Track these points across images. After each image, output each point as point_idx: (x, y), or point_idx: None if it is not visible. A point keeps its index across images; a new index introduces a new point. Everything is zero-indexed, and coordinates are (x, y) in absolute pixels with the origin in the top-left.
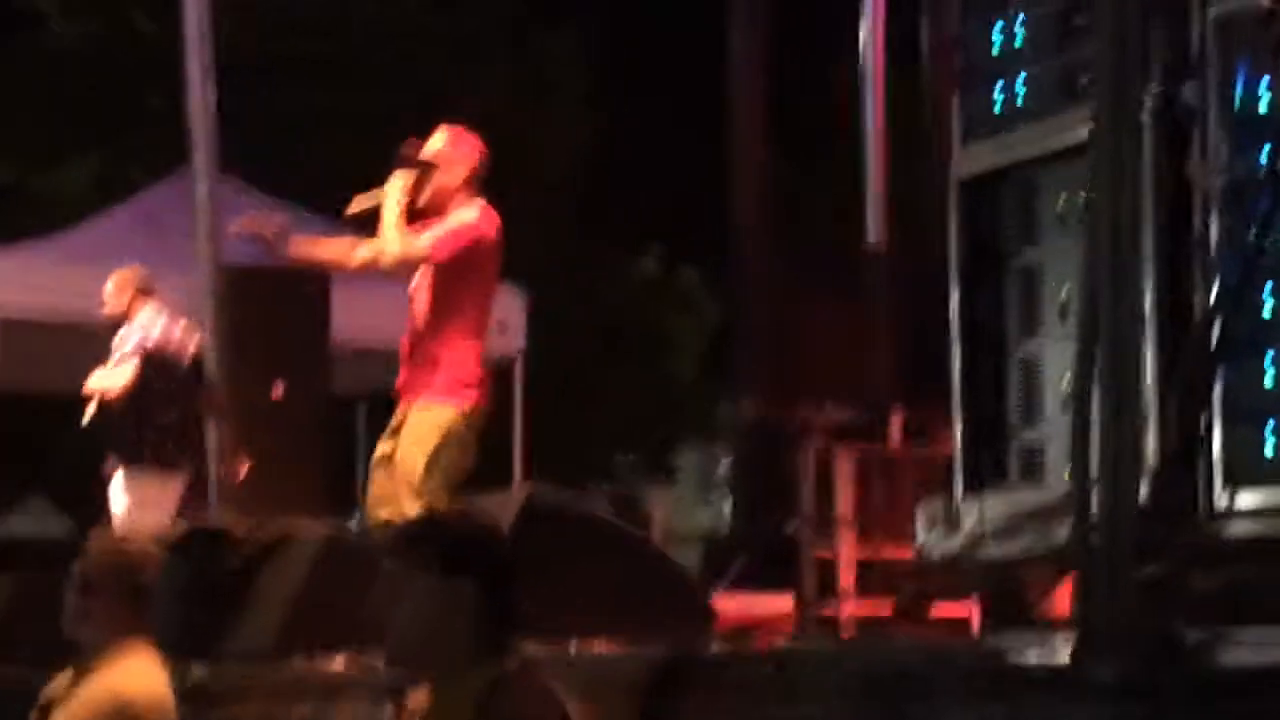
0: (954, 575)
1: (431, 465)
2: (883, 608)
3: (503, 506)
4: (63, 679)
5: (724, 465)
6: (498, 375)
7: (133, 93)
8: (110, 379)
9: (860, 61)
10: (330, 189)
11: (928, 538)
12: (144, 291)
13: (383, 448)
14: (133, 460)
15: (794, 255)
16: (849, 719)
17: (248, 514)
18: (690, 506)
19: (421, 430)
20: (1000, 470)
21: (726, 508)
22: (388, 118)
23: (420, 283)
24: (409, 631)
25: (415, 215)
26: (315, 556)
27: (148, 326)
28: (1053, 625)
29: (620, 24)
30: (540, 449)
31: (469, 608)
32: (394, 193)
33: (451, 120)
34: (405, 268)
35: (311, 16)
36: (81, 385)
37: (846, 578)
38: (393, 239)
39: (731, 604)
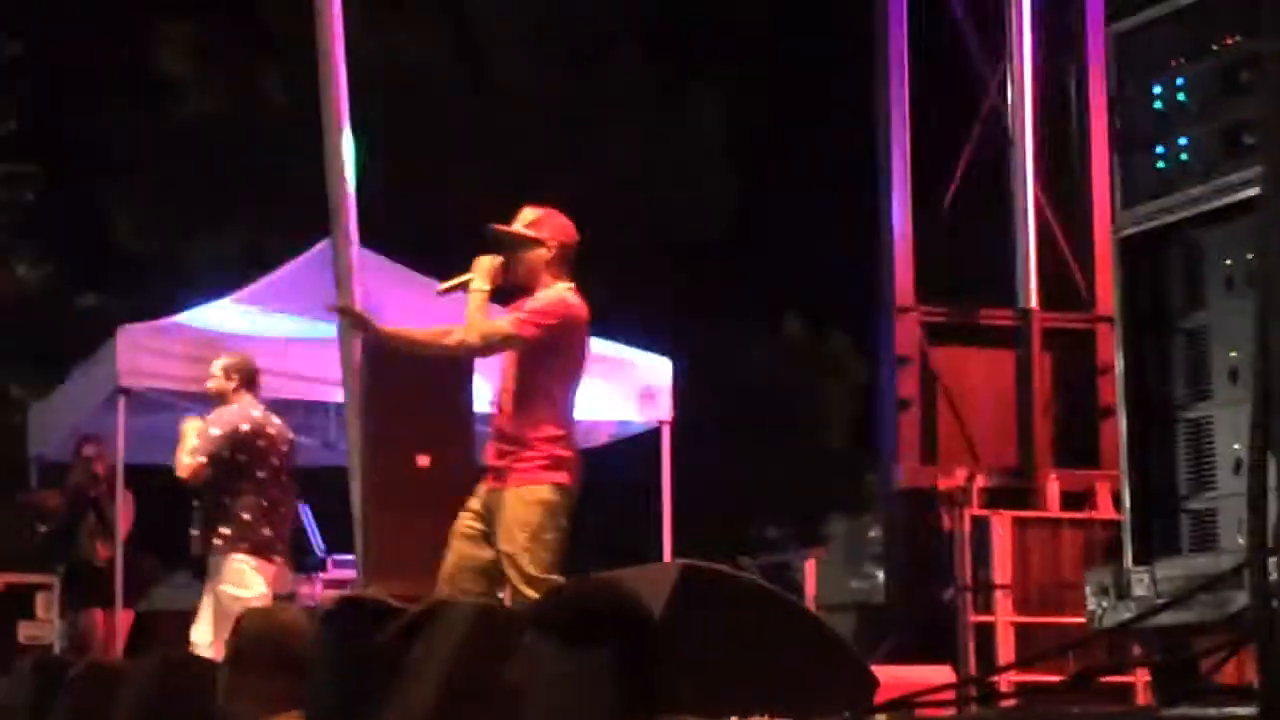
0: (1125, 644)
1: (534, 546)
2: (1045, 676)
3: (657, 578)
4: None
5: (875, 533)
6: (645, 444)
7: (275, 164)
8: (193, 456)
9: (1009, 121)
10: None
11: (1097, 606)
12: (248, 382)
13: (468, 524)
14: (228, 545)
15: (945, 316)
16: None
17: (394, 586)
18: (842, 576)
19: (520, 513)
20: (1171, 537)
21: (879, 576)
22: (525, 181)
23: (506, 366)
24: (545, 706)
25: (509, 293)
26: (469, 628)
27: (243, 412)
28: (1229, 696)
29: (766, 85)
30: (688, 519)
31: (603, 681)
32: (480, 274)
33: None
34: (491, 349)
35: (450, 80)
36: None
37: (1006, 646)
38: (475, 323)
39: (888, 674)
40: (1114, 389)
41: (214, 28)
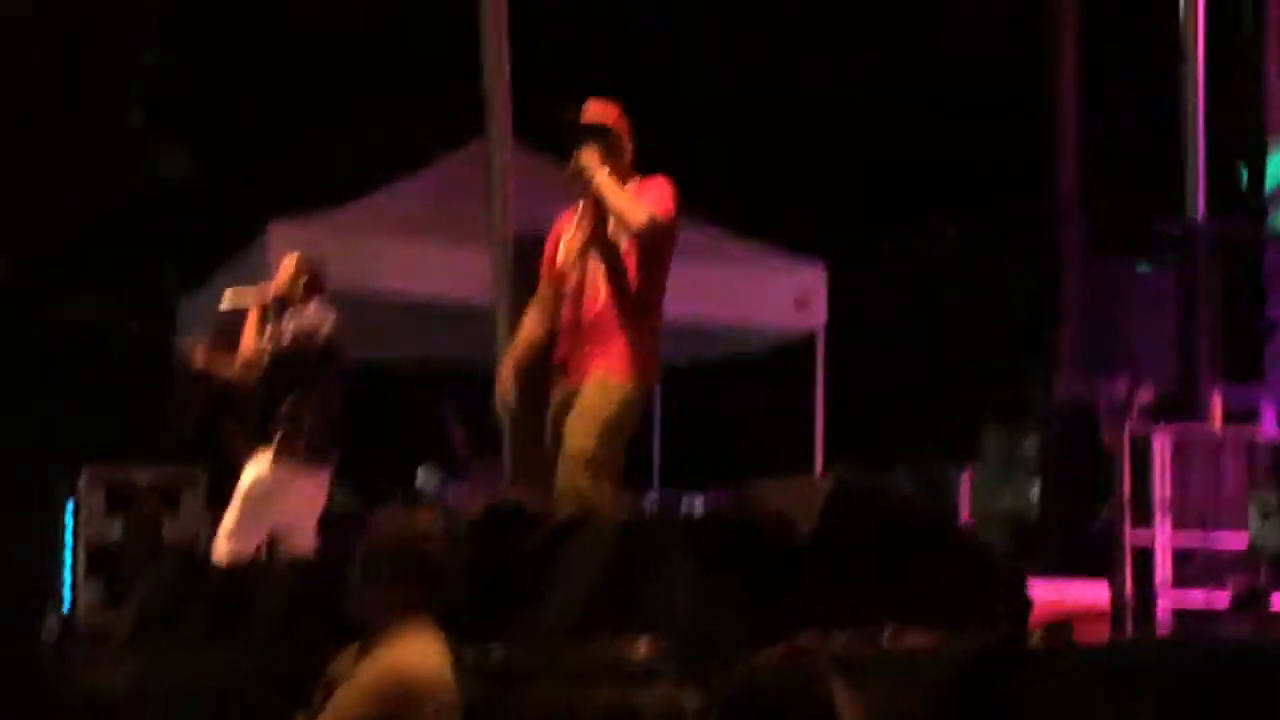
0: None
1: (604, 440)
2: (1204, 599)
3: (809, 492)
4: (347, 657)
5: (1030, 445)
6: (799, 352)
7: (426, 58)
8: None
9: (1181, 25)
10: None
11: (1262, 528)
12: (316, 282)
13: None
14: (287, 451)
15: (1111, 226)
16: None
17: (541, 490)
18: (995, 489)
19: (598, 404)
20: None
21: (1033, 491)
22: (669, 81)
23: (593, 260)
24: (684, 619)
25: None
26: (614, 537)
27: (319, 317)
28: None
29: None
30: (840, 428)
31: (730, 596)
32: (594, 167)
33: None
34: (656, 234)
35: None
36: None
37: (1164, 567)
38: (635, 205)
39: (1042, 591)
40: None
41: None
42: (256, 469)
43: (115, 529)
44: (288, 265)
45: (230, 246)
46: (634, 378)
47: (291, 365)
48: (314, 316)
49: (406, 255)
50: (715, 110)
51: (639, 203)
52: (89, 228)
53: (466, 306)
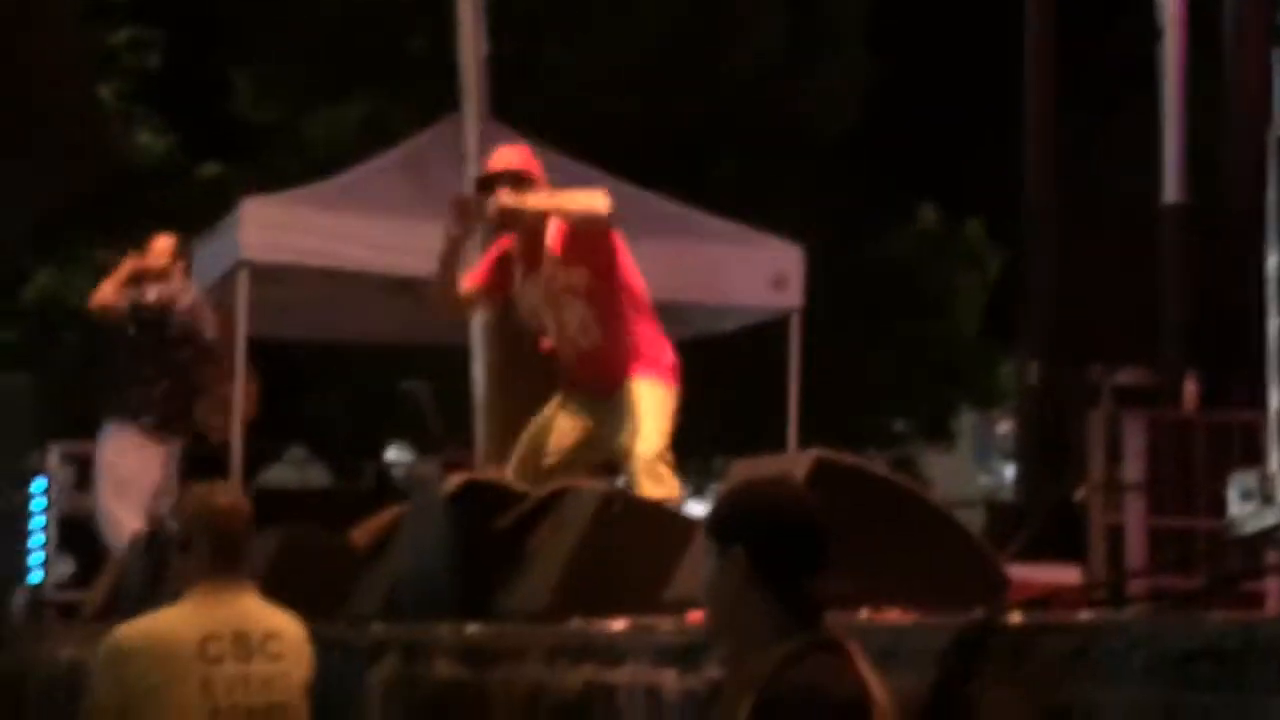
0: (1267, 551)
1: (665, 437)
2: (1178, 582)
3: (789, 469)
4: None
5: (1004, 428)
6: (774, 332)
7: (401, 35)
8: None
9: (1158, 10)
10: (599, 139)
11: (1240, 510)
12: (187, 269)
13: (568, 423)
14: (136, 417)
15: (1085, 208)
16: (1163, 699)
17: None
18: (969, 471)
19: (650, 405)
20: None
21: (1008, 473)
22: (657, 69)
23: (564, 294)
24: (706, 604)
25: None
26: (593, 514)
27: (182, 291)
28: None
29: None
30: (815, 410)
31: (749, 579)
32: (517, 200)
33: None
34: (609, 217)
35: None
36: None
37: (1138, 549)
38: (588, 196)
39: (1016, 573)
40: (1259, 288)
41: None
42: (114, 441)
43: (86, 504)
44: (166, 243)
45: (199, 222)
46: (667, 381)
47: (150, 325)
48: (178, 287)
49: (379, 232)
50: (702, 92)
51: (583, 192)
52: (58, 205)
53: None
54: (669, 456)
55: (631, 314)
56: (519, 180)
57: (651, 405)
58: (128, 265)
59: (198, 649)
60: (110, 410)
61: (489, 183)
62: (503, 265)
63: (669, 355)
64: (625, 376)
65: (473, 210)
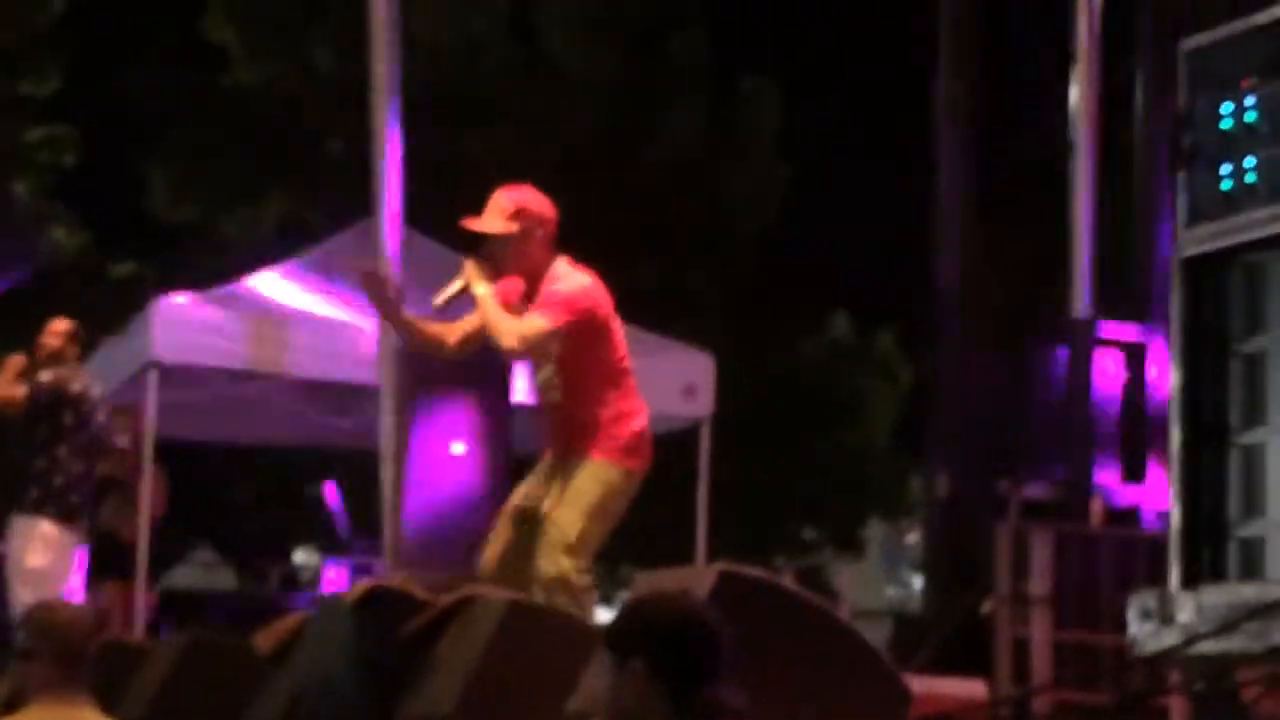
0: (1167, 671)
1: (589, 521)
2: (1082, 697)
3: (693, 583)
4: None
5: (913, 538)
6: (683, 440)
7: (316, 135)
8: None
9: (1070, 126)
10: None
11: (1140, 630)
12: (77, 347)
13: (521, 502)
14: (39, 509)
15: (996, 323)
16: None
17: (422, 575)
18: (877, 582)
19: (584, 485)
20: (1218, 563)
21: (916, 583)
22: (575, 168)
23: (558, 360)
24: (602, 715)
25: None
26: (499, 622)
27: (76, 374)
28: None
29: (820, 74)
30: (724, 517)
31: (647, 691)
32: (474, 278)
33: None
34: (533, 351)
35: (500, 61)
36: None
37: (1043, 663)
38: (506, 328)
39: (922, 686)
40: (1165, 406)
41: None
42: (19, 536)
43: None
44: (63, 326)
45: (111, 320)
46: (627, 461)
47: (47, 410)
48: (72, 372)
49: (290, 334)
50: (619, 193)
51: (510, 323)
52: None
53: (349, 387)
54: (587, 544)
55: (602, 388)
56: (501, 242)
57: (586, 483)
58: (15, 360)
59: None
60: (15, 506)
61: (470, 241)
62: (511, 309)
63: (632, 431)
64: (577, 445)
65: (378, 287)
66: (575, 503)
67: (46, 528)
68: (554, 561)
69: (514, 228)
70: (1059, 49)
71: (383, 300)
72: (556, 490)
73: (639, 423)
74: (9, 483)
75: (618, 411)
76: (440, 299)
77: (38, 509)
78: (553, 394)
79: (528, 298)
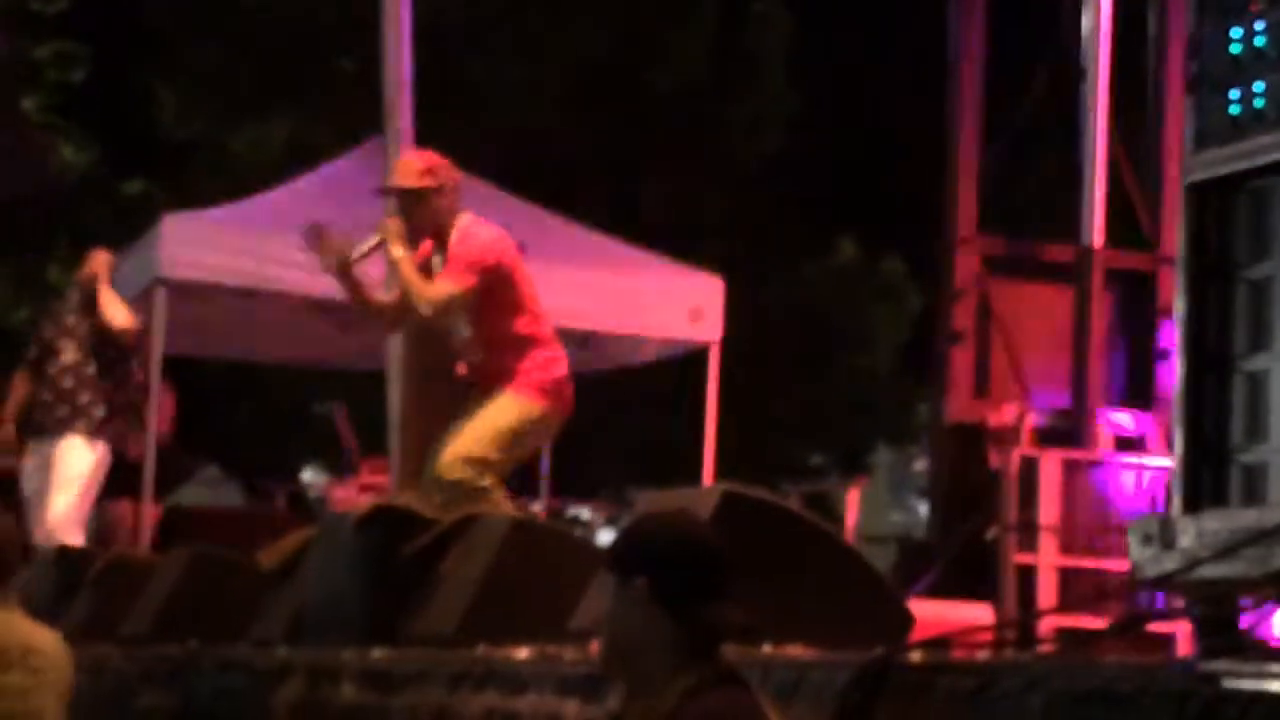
0: (1167, 595)
1: (492, 442)
2: (1086, 622)
3: (696, 503)
4: None
5: (920, 465)
6: (692, 363)
7: (328, 54)
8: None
9: (1083, 53)
10: (523, 161)
11: (1141, 555)
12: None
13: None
14: (91, 429)
15: (1005, 249)
16: None
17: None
18: (883, 507)
19: (493, 411)
20: (1220, 489)
21: (922, 510)
22: (582, 90)
23: (471, 316)
24: (604, 636)
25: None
26: (502, 541)
27: (118, 308)
28: (1269, 653)
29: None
30: (731, 441)
31: (649, 610)
32: (390, 237)
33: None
34: (446, 314)
35: None
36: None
37: (1048, 589)
38: (420, 292)
39: (926, 611)
40: (1172, 333)
41: None
42: (83, 453)
43: None
44: (107, 258)
45: (120, 238)
46: (541, 399)
47: (109, 343)
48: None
49: (298, 253)
50: (625, 122)
51: (424, 288)
52: None
53: None
54: (491, 461)
55: (519, 339)
56: (411, 197)
57: (497, 411)
58: (105, 283)
59: None
60: (57, 426)
61: (388, 196)
62: (424, 271)
63: (550, 375)
64: (496, 386)
65: (326, 243)
66: (483, 423)
67: (94, 443)
68: (450, 468)
69: (427, 182)
70: None
71: (329, 257)
72: (485, 409)
73: (559, 369)
74: (53, 404)
75: (535, 360)
76: (357, 253)
77: (68, 426)
78: (475, 355)
79: (439, 252)
